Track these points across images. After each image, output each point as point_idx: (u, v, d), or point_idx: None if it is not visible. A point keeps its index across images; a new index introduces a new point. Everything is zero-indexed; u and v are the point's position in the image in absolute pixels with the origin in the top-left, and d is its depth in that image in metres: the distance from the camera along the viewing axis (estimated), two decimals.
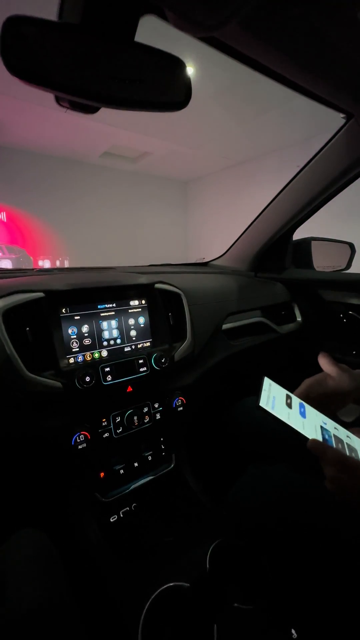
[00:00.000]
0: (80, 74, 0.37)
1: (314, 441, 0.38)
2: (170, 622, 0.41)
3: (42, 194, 5.38)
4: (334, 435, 0.42)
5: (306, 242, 1.13)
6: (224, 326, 0.85)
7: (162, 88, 0.41)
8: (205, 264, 1.28)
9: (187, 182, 7.03)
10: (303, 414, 0.43)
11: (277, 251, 1.08)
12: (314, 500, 0.49)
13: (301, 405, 0.45)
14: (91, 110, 0.44)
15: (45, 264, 5.25)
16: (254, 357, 0.94)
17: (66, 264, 5.53)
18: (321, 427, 0.42)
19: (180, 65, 0.41)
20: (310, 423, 0.42)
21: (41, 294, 0.57)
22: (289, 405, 0.43)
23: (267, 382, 0.45)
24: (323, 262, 1.13)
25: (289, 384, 0.48)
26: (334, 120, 0.69)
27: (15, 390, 0.51)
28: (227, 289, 0.93)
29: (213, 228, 6.36)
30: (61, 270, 0.93)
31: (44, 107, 3.59)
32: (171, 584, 0.46)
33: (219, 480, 0.64)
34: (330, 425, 0.44)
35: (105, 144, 4.89)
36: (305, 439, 0.38)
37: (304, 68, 0.48)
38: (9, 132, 4.44)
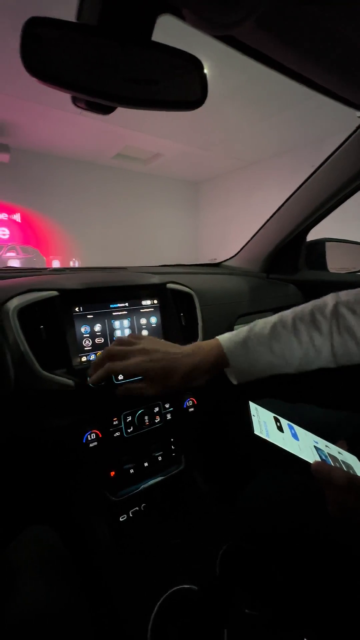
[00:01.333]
0: (98, 74, 0.37)
1: (319, 464, 0.36)
2: (179, 626, 0.41)
3: (56, 195, 5.47)
4: (329, 454, 0.41)
5: (320, 243, 1.11)
6: (236, 327, 0.85)
7: (179, 87, 0.41)
8: (216, 265, 1.27)
9: (198, 183, 7.03)
10: (295, 436, 0.42)
11: (290, 252, 1.06)
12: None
13: (290, 427, 0.44)
14: (107, 110, 0.45)
15: (55, 263, 5.32)
16: None
17: (76, 264, 5.60)
18: (315, 447, 0.41)
19: (196, 63, 0.41)
20: (304, 445, 0.41)
21: (55, 293, 0.57)
22: (280, 429, 0.41)
23: (254, 407, 0.43)
24: (338, 263, 1.11)
25: (303, 387, 0.47)
26: (349, 120, 0.68)
27: (29, 388, 0.52)
28: (238, 290, 0.92)
29: (224, 229, 6.34)
30: (73, 269, 0.94)
31: (58, 110, 3.66)
32: (180, 587, 0.45)
33: (229, 483, 0.64)
34: (322, 443, 0.43)
35: (118, 146, 4.95)
36: (307, 463, 0.37)
37: (323, 66, 0.47)
38: (25, 135, 4.53)
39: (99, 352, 0.61)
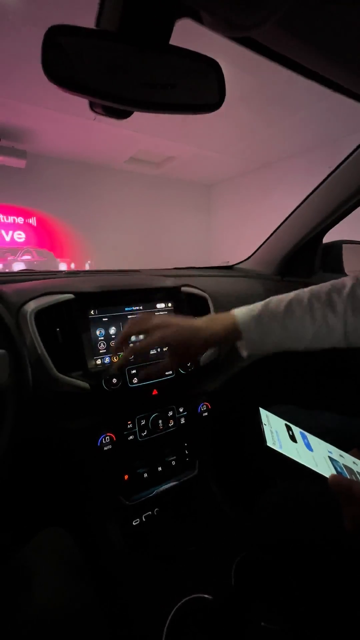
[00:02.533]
0: (116, 79, 0.37)
1: (336, 477, 0.34)
2: (194, 636, 0.40)
3: (70, 199, 5.57)
4: (344, 465, 0.39)
5: (337, 246, 1.09)
6: None
7: (196, 90, 0.41)
8: (230, 268, 1.26)
9: (211, 186, 7.02)
10: (309, 446, 0.39)
11: (305, 254, 1.04)
12: None
13: (303, 436, 0.41)
14: (124, 115, 0.45)
15: (61, 266, 5.38)
16: (281, 363, 0.91)
17: (87, 267, 5.67)
18: (329, 457, 0.39)
19: (214, 66, 0.40)
20: (319, 456, 0.38)
21: (71, 296, 0.58)
22: (293, 439, 0.39)
23: (264, 415, 0.41)
24: (355, 266, 1.08)
25: (317, 390, 0.46)
26: None
27: (45, 390, 0.53)
28: (253, 293, 0.91)
29: (236, 232, 6.31)
30: (88, 272, 0.94)
31: (73, 116, 3.73)
32: (194, 596, 0.45)
33: (244, 490, 0.62)
34: (336, 453, 0.41)
35: (131, 150, 4.99)
36: (322, 477, 0.35)
37: (344, 65, 0.46)
38: (41, 141, 4.64)
39: (115, 356, 0.61)
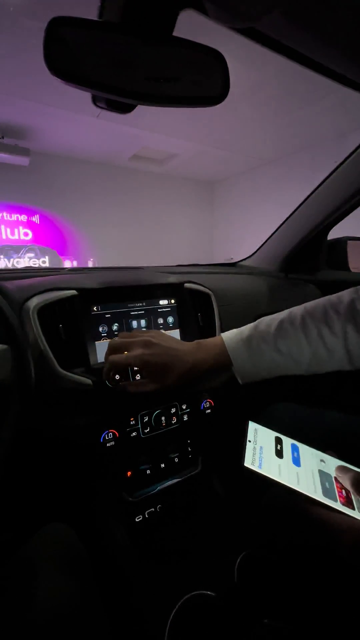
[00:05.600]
0: (119, 72, 0.37)
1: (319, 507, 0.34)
2: (197, 633, 0.40)
3: (73, 197, 5.57)
4: (336, 477, 0.38)
5: (342, 242, 1.08)
6: None
7: (200, 83, 0.40)
8: (233, 265, 1.26)
9: (214, 183, 6.99)
10: (297, 461, 0.38)
11: (310, 251, 1.03)
12: None
13: (294, 449, 0.40)
14: (127, 109, 0.44)
15: (65, 264, 5.40)
16: None
17: (90, 264, 5.68)
18: (319, 471, 0.38)
19: (218, 57, 0.40)
20: (306, 470, 0.37)
21: (74, 292, 0.58)
22: (279, 454, 0.38)
23: (252, 428, 0.40)
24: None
25: (319, 391, 0.45)
26: None
27: (48, 386, 0.53)
28: (257, 290, 0.90)
29: (240, 229, 6.28)
30: (91, 269, 0.94)
31: (77, 113, 3.72)
32: (197, 593, 0.45)
33: (248, 487, 0.62)
34: (330, 464, 0.39)
35: (135, 147, 4.98)
36: (307, 498, 0.34)
37: (350, 57, 0.45)
38: (44, 139, 4.64)
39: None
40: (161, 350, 0.49)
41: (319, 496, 0.35)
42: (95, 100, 0.43)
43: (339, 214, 0.88)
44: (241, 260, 1.24)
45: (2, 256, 4.89)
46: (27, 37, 2.31)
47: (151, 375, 0.49)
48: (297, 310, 0.54)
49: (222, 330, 0.71)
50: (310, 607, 0.44)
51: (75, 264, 5.47)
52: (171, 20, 0.37)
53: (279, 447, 0.39)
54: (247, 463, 0.36)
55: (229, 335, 0.53)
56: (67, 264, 5.34)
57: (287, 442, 0.41)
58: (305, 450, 0.41)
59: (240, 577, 0.46)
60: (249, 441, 0.38)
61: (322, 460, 0.40)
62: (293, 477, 0.36)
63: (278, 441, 0.40)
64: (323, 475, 0.38)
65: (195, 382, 0.50)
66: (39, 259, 5.05)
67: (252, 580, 0.47)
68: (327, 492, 0.35)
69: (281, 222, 1.03)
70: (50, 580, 0.44)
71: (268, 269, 1.12)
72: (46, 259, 5.08)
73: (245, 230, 6.05)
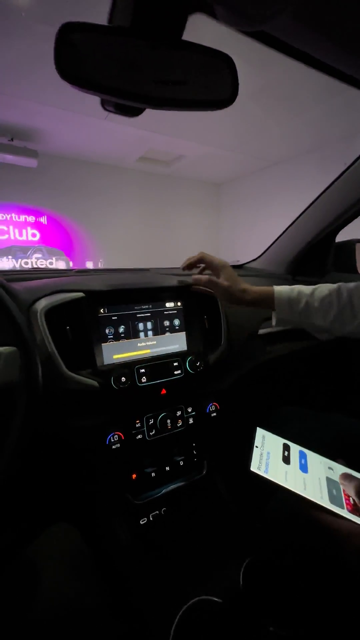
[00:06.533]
0: (129, 76, 0.37)
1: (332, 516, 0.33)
2: (201, 639, 0.40)
3: (80, 199, 5.62)
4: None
5: (350, 245, 1.07)
6: (261, 331, 0.82)
7: (209, 86, 0.40)
8: (239, 267, 1.25)
9: (220, 185, 6.98)
10: (304, 468, 0.38)
11: (317, 254, 1.03)
12: None
13: (302, 456, 0.40)
14: (135, 112, 0.44)
15: (88, 264, 5.48)
16: (292, 364, 0.90)
17: (91, 265, 5.72)
18: (327, 478, 0.37)
19: (227, 61, 0.40)
20: (313, 477, 0.37)
21: (81, 294, 0.58)
22: (287, 460, 0.38)
23: (260, 434, 0.41)
24: None
25: (327, 394, 0.45)
26: None
27: (55, 387, 0.53)
28: None
29: (246, 231, 6.26)
30: (98, 271, 0.95)
31: (84, 115, 3.75)
32: (202, 598, 0.44)
33: (253, 491, 0.62)
34: (338, 470, 0.39)
35: (142, 149, 5.00)
36: (313, 504, 0.34)
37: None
38: (52, 141, 4.69)
39: (123, 354, 0.61)
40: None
41: (325, 502, 0.34)
42: (104, 103, 0.43)
43: (348, 216, 0.87)
44: (247, 263, 1.23)
45: (10, 257, 4.95)
46: (37, 41, 2.34)
47: (225, 277, 0.62)
48: (334, 284, 0.63)
49: (229, 334, 0.71)
50: (316, 615, 0.43)
51: (90, 265, 5.54)
52: (180, 24, 0.37)
53: (286, 453, 0.39)
54: (254, 467, 0.36)
55: (282, 291, 0.63)
56: (90, 264, 5.42)
57: (295, 449, 0.41)
58: (313, 457, 0.40)
59: (245, 583, 0.45)
60: (256, 447, 0.38)
61: (330, 468, 0.39)
62: (300, 483, 0.36)
63: (286, 448, 0.40)
64: (330, 482, 0.37)
65: (245, 295, 0.62)
66: (46, 259, 5.10)
67: (257, 587, 0.46)
68: (334, 499, 0.35)
69: (288, 225, 1.02)
70: (54, 580, 0.44)
71: (275, 272, 1.12)
72: (53, 259, 5.13)
73: (252, 232, 6.03)
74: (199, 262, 0.66)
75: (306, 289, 0.62)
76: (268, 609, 0.44)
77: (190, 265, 0.66)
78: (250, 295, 0.62)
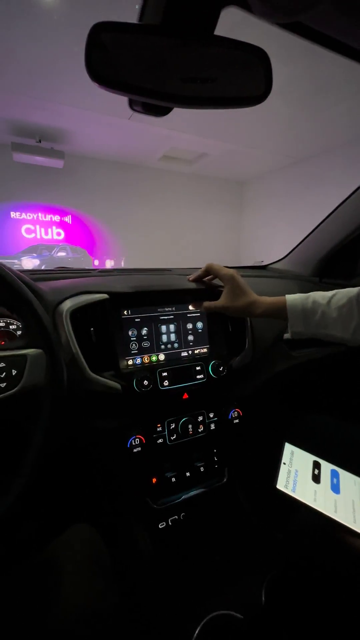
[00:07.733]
0: (158, 76, 0.36)
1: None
2: None
3: (104, 198, 5.71)
4: None
5: None
6: (285, 335, 0.79)
7: (240, 82, 0.39)
8: (263, 267, 1.22)
9: (244, 183, 6.87)
10: (336, 488, 0.35)
11: (346, 255, 0.98)
12: None
13: (334, 475, 0.37)
14: (163, 112, 0.44)
15: (107, 264, 5.58)
16: (318, 370, 0.86)
17: (112, 264, 5.80)
18: None
19: (261, 56, 0.38)
20: (345, 499, 0.34)
21: (105, 296, 0.58)
22: (316, 479, 0.35)
23: (289, 450, 0.39)
24: None
25: (351, 403, 0.42)
26: None
27: (79, 389, 0.53)
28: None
29: (270, 230, 6.12)
30: (120, 271, 0.95)
31: (109, 116, 3.80)
32: (221, 612, 0.43)
33: (275, 504, 0.60)
34: None
35: (164, 147, 5.00)
36: (344, 528, 0.31)
37: None
38: (78, 142, 4.79)
39: (146, 357, 0.61)
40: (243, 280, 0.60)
41: (359, 527, 0.32)
42: (131, 104, 0.43)
43: None
44: (272, 263, 1.20)
45: (35, 255, 5.12)
46: (66, 44, 2.38)
47: (230, 292, 0.59)
48: (354, 289, 0.58)
49: (253, 337, 0.69)
50: (340, 635, 0.41)
51: (112, 263, 5.64)
52: (213, 19, 0.36)
53: (316, 471, 0.37)
54: (280, 485, 0.34)
55: (289, 296, 0.60)
56: (108, 263, 5.53)
57: (327, 467, 0.38)
58: (346, 477, 0.37)
59: (268, 600, 0.44)
60: (284, 463, 0.36)
61: None
62: (330, 504, 0.34)
63: (316, 465, 0.38)
64: None
65: (252, 310, 0.59)
66: (70, 257, 5.23)
67: (280, 604, 0.44)
68: None
69: (316, 225, 0.98)
70: (73, 581, 0.45)
71: (301, 273, 1.08)
72: (76, 257, 5.26)
73: (275, 231, 5.89)
74: (206, 275, 0.64)
75: (322, 297, 0.57)
76: (290, 628, 0.42)
77: (198, 279, 0.65)
78: (261, 308, 0.58)
